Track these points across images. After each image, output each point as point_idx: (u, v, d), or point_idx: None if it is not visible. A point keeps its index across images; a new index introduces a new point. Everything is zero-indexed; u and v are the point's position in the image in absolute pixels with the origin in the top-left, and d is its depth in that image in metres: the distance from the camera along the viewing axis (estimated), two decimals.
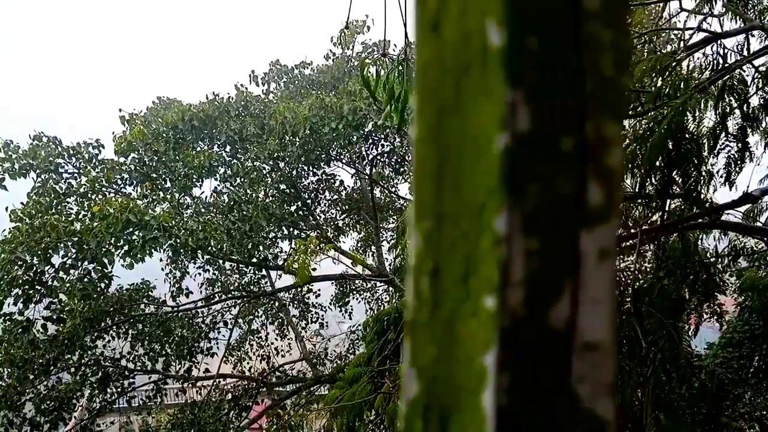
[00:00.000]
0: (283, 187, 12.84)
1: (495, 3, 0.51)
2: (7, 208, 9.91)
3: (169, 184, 11.64)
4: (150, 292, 12.31)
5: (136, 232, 9.20)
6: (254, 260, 11.97)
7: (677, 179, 6.55)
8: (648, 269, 7.74)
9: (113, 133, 11.89)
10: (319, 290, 15.14)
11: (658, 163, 6.24)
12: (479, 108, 0.52)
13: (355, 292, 15.44)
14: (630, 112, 6.87)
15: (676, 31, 7.91)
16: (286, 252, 13.28)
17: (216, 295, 14.18)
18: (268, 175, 12.02)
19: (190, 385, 13.77)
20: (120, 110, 11.99)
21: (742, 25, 6.71)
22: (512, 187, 0.50)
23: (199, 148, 12.05)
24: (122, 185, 11.62)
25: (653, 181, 6.56)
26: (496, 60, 0.50)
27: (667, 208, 7.36)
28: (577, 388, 0.51)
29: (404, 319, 0.61)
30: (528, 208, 0.50)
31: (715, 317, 9.99)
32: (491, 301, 0.50)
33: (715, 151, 6.59)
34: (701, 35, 6.83)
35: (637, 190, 6.88)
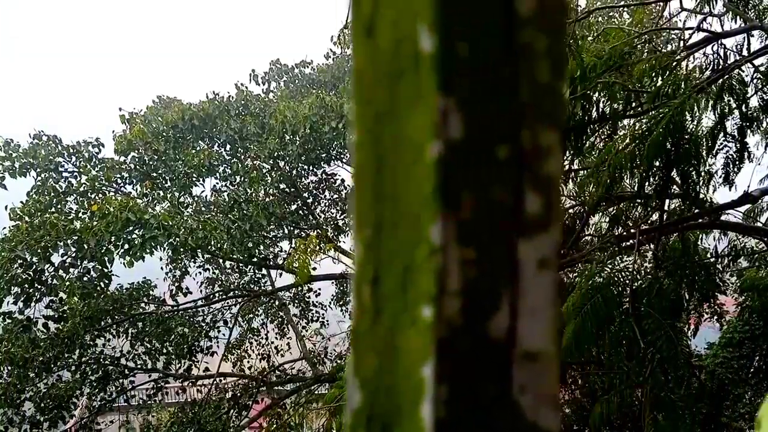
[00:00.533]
0: (283, 186, 12.83)
1: (425, 8, 0.50)
2: (6, 207, 9.91)
3: (168, 183, 11.63)
4: (150, 291, 12.32)
5: (136, 231, 9.19)
6: (254, 259, 11.96)
7: (676, 179, 6.53)
8: (647, 269, 7.72)
9: (113, 132, 11.89)
10: (319, 289, 15.15)
11: (657, 163, 6.22)
12: (413, 115, 0.51)
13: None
14: (629, 112, 6.87)
15: (676, 31, 7.89)
16: (286, 251, 13.28)
17: (216, 294, 14.19)
18: (268, 174, 12.00)
19: (190, 383, 13.78)
20: (120, 109, 11.99)
21: (742, 25, 6.69)
22: (446, 196, 0.49)
23: (199, 147, 12.04)
24: (122, 184, 11.62)
25: (652, 180, 6.54)
26: (427, 66, 0.50)
27: (666, 208, 7.35)
28: (519, 399, 0.51)
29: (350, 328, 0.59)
30: (463, 218, 0.49)
31: (716, 317, 9.98)
32: (428, 312, 0.50)
33: (714, 151, 6.58)
34: (701, 35, 6.81)
35: (636, 190, 6.86)
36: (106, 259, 9.23)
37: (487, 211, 0.50)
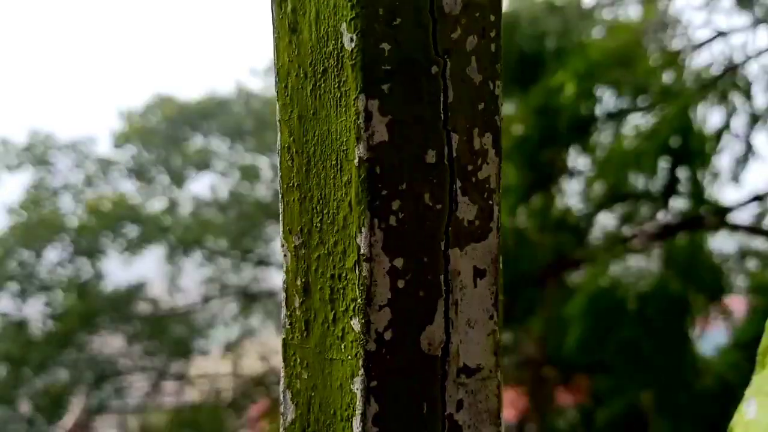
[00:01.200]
0: None
1: (345, 4, 0.46)
2: (2, 204, 9.86)
3: (166, 180, 11.56)
4: (146, 291, 12.24)
5: (132, 228, 9.14)
6: (252, 257, 11.88)
7: (682, 178, 6.44)
8: (653, 270, 7.63)
9: (110, 128, 11.81)
10: None
11: (662, 162, 6.14)
12: (337, 116, 0.48)
13: None
14: (635, 109, 6.79)
15: (683, 28, 7.79)
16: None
17: (213, 293, 14.09)
18: (266, 170, 11.94)
19: (188, 384, 13.70)
20: (117, 105, 11.91)
21: (750, 22, 6.58)
22: (372, 202, 0.46)
23: (196, 143, 11.98)
24: (118, 180, 11.55)
25: (658, 179, 6.47)
26: (349, 66, 0.46)
27: (673, 208, 7.27)
28: (455, 416, 0.49)
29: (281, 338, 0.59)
30: (391, 225, 0.47)
31: (723, 319, 9.87)
32: (357, 324, 0.48)
33: (721, 150, 6.48)
34: (708, 32, 6.71)
35: (642, 189, 6.80)
36: (102, 255, 9.21)
37: (417, 219, 0.47)
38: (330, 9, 0.49)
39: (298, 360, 0.53)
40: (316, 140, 0.51)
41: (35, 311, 9.95)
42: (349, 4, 0.46)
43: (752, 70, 6.24)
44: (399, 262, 0.46)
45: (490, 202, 0.48)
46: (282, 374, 0.55)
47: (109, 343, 11.87)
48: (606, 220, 9.43)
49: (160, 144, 11.39)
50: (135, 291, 11.96)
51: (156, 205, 10.67)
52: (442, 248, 0.47)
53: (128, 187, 11.41)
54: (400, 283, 0.47)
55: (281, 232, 0.54)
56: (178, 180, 11.41)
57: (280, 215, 0.54)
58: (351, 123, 0.46)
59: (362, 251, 0.46)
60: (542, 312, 7.37)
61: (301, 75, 0.51)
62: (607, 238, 7.90)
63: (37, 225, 8.93)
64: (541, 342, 8.07)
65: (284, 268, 0.54)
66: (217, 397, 13.01)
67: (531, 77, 6.84)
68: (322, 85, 0.49)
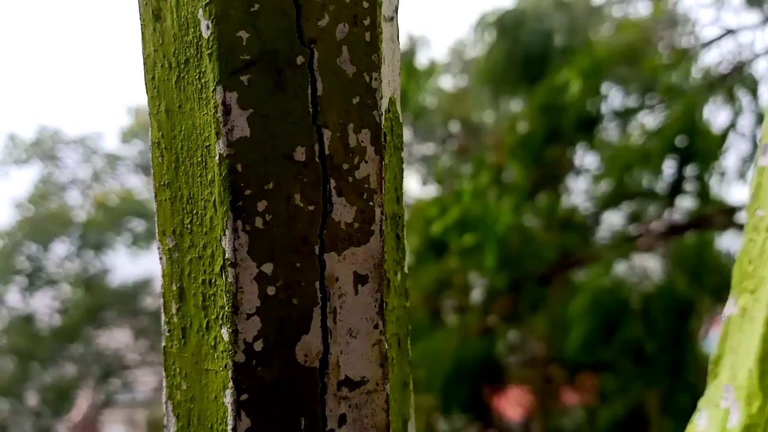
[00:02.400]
0: None
1: None
2: (9, 199, 9.91)
3: None
4: (153, 285, 12.28)
5: (139, 222, 9.18)
6: None
7: (689, 177, 6.39)
8: (658, 269, 7.58)
9: (118, 124, 11.86)
10: None
11: (668, 160, 6.10)
12: (200, 109, 0.45)
13: None
14: (642, 107, 6.74)
15: (691, 25, 7.72)
16: None
17: None
18: None
19: None
20: (125, 102, 11.96)
21: (759, 20, 6.52)
22: (235, 202, 0.43)
23: None
24: (126, 176, 11.59)
25: (664, 178, 6.43)
26: (206, 56, 0.43)
27: (679, 207, 7.21)
28: (337, 431, 0.47)
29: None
30: (258, 228, 0.43)
31: None
32: (226, 334, 0.45)
33: (728, 149, 6.42)
34: (717, 29, 6.64)
35: (648, 188, 6.76)
36: (109, 249, 9.24)
37: (287, 221, 0.43)
38: None
39: (178, 369, 0.50)
40: (182, 135, 0.47)
41: (42, 305, 10.00)
42: None
43: (759, 68, 6.18)
44: (268, 268, 0.43)
45: (371, 203, 0.44)
46: (164, 384, 0.52)
47: (116, 337, 11.92)
48: (613, 219, 9.38)
49: None
50: (142, 285, 12.00)
51: None
52: (317, 252, 0.44)
53: (135, 182, 11.45)
54: (270, 290, 0.44)
55: (156, 234, 0.51)
56: None
57: (155, 216, 0.51)
58: (211, 117, 0.43)
59: (227, 255, 0.43)
60: (547, 311, 7.34)
61: (166, 65, 0.48)
62: (614, 237, 7.84)
63: (45, 219, 8.97)
64: (547, 341, 8.03)
65: (161, 272, 0.51)
66: None
67: (537, 75, 6.82)
68: (186, 76, 0.46)
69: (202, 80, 0.44)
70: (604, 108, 6.73)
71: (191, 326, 0.48)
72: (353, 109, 0.43)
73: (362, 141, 0.44)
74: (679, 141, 5.83)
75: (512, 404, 8.72)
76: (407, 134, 13.07)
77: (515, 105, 7.86)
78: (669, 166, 6.20)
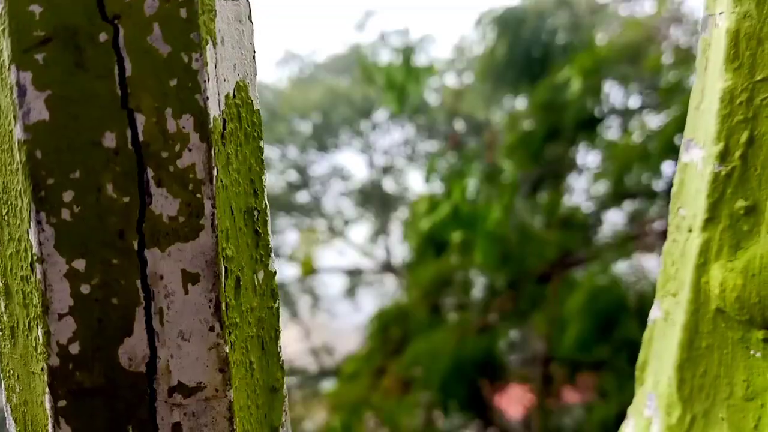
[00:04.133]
0: (291, 174, 12.79)
1: None
2: None
3: None
4: None
5: None
6: None
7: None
8: (657, 269, 7.55)
9: None
10: (326, 282, 15.06)
11: (669, 158, 6.06)
12: (3, 91, 0.41)
13: (363, 285, 15.30)
14: (643, 106, 6.71)
15: (693, 24, 7.68)
16: (294, 241, 13.23)
17: None
18: (276, 162, 11.97)
19: None
20: None
21: None
22: (37, 191, 0.39)
23: None
24: None
25: (664, 177, 6.40)
26: (1, 32, 0.39)
27: None
28: None
29: None
30: (65, 220, 0.40)
31: None
32: (40, 336, 0.42)
33: None
34: None
35: (649, 187, 6.73)
36: None
37: (99, 213, 0.39)
38: None
39: (12, 371, 0.48)
40: None
41: None
42: None
43: None
44: (80, 264, 0.40)
45: (199, 195, 0.40)
46: (3, 386, 0.50)
47: None
48: (615, 218, 9.34)
49: None
50: None
51: None
52: (136, 248, 0.41)
53: None
54: (84, 289, 0.40)
55: None
56: None
57: None
58: (9, 99, 0.40)
59: (34, 250, 0.40)
60: (547, 309, 7.31)
61: None
62: (615, 235, 7.81)
63: None
64: (547, 339, 8.01)
65: None
66: None
67: (538, 73, 6.78)
68: None
69: (1, 59, 0.41)
70: (605, 106, 6.70)
71: (18, 325, 0.46)
72: (171, 92, 0.39)
73: (184, 127, 0.40)
74: (680, 140, 5.78)
75: (513, 402, 8.69)
76: (409, 131, 13.01)
77: (517, 103, 7.83)
78: (669, 166, 6.17)
